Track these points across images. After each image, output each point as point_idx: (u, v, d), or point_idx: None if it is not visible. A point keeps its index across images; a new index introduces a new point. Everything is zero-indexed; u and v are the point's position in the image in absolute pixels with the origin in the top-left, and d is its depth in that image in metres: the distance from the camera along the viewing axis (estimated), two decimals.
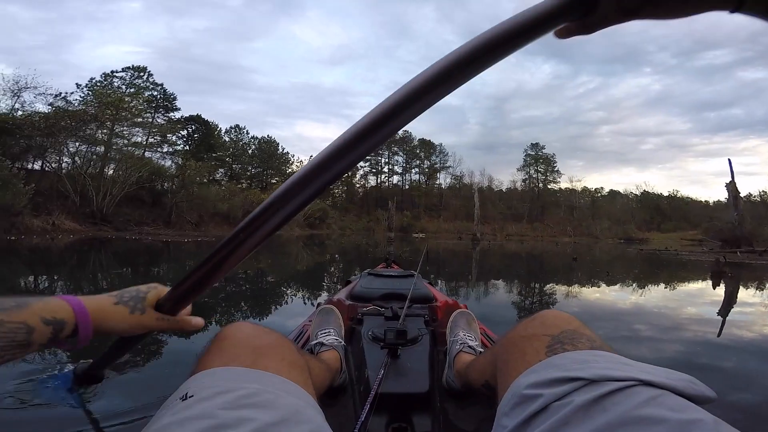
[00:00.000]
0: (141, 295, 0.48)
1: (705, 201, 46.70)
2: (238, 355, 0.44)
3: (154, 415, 0.38)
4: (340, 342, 0.94)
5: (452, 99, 74.12)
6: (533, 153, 46.80)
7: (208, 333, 0.66)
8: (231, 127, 40.70)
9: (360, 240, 20.36)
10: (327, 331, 0.95)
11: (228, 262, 0.40)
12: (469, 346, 0.88)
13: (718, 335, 2.80)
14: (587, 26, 0.30)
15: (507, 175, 60.13)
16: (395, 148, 47.79)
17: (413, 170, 48.40)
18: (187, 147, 33.73)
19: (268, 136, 43.60)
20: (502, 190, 46.99)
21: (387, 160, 48.18)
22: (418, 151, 48.09)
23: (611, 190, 48.66)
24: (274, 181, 40.60)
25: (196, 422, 0.34)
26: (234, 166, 40.28)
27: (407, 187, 47.78)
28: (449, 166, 48.20)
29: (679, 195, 47.07)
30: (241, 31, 73.37)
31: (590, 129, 64.97)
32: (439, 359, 0.99)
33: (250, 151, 41.94)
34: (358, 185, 47.63)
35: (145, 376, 1.55)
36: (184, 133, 34.27)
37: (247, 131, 41.53)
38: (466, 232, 31.33)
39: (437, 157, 48.35)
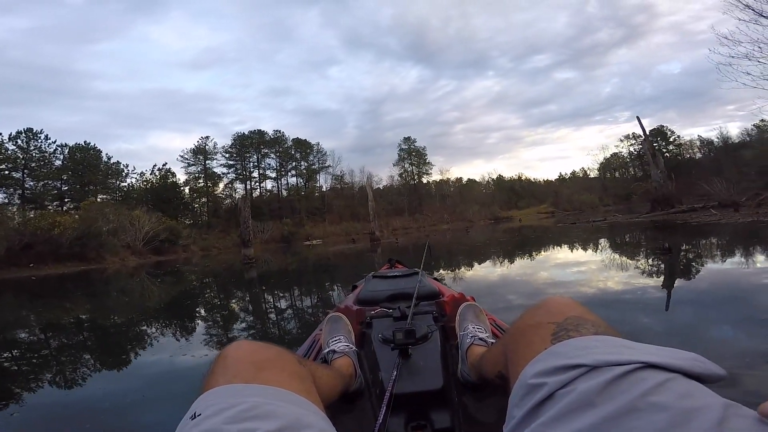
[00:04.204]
0: None
1: (543, 180, 55.66)
2: (239, 372, 0.47)
3: None
4: (352, 347, 0.93)
5: (331, 103, 72.17)
6: (406, 147, 47.66)
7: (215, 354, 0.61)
8: (18, 132, 29.07)
9: (232, 259, 15.92)
10: (337, 338, 0.95)
11: None
12: (480, 338, 0.87)
13: None
14: None
15: (384, 173, 60.93)
16: (265, 150, 42.37)
17: (289, 173, 43.77)
18: None
19: (85, 142, 33.07)
20: (380, 187, 46.58)
21: (257, 163, 42.34)
22: (293, 152, 43.65)
23: (469, 179, 53.53)
24: (100, 198, 30.77)
25: None
26: (29, 182, 29.04)
27: (284, 192, 42.91)
28: (329, 166, 45.24)
29: (524, 178, 54.93)
30: (81, 31, 58.54)
31: (448, 128, 70.47)
32: (451, 354, 0.98)
33: (59, 163, 30.98)
34: (223, 195, 40.56)
35: (164, 399, 1.89)
36: None
37: (46, 136, 30.40)
38: (356, 233, 29.02)
39: (315, 157, 44.80)
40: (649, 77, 68.48)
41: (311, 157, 44.44)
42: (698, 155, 36.08)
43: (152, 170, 37.35)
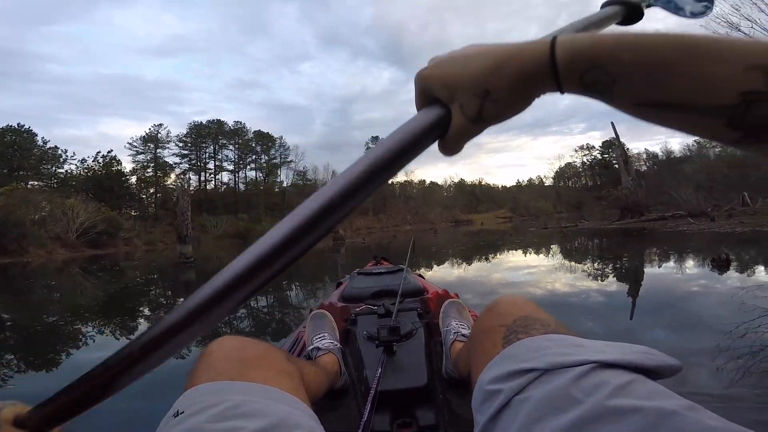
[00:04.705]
0: None
1: (501, 186, 57.64)
2: (224, 369, 0.45)
3: None
4: (336, 344, 0.92)
5: (300, 99, 70.60)
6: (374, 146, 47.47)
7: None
8: None
9: (175, 256, 14.62)
10: (321, 335, 0.94)
11: (131, 374, 0.27)
12: (463, 335, 0.87)
13: None
14: (447, 147, 0.29)
15: None
16: (223, 141, 40.25)
17: (248, 166, 41.87)
18: None
19: (18, 124, 29.78)
20: None
21: (213, 154, 40.09)
22: (253, 145, 41.81)
23: (431, 182, 54.22)
24: (31, 184, 27.68)
25: None
26: None
27: (242, 186, 40.98)
28: (291, 161, 43.82)
29: (484, 183, 56.58)
30: (39, 11, 55.76)
31: None
32: (436, 351, 0.98)
33: None
34: (173, 186, 37.93)
35: (146, 396, 1.53)
36: None
37: None
38: None
39: (277, 151, 43.21)
40: None
41: (273, 151, 42.86)
42: (644, 168, 38.84)
43: (95, 157, 34.31)
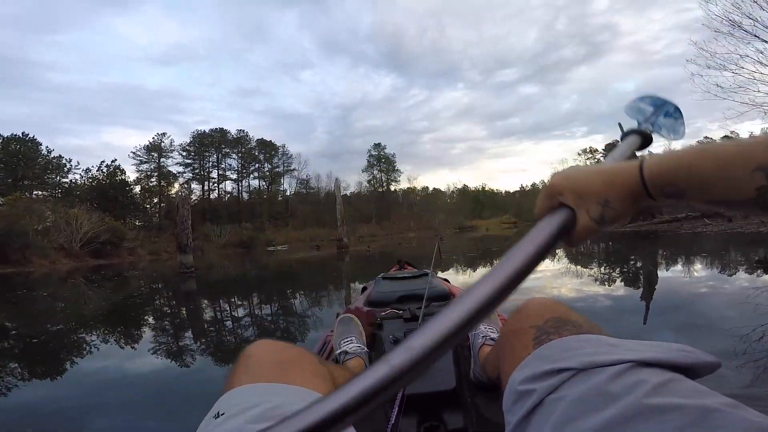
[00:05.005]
0: None
1: (504, 192, 57.40)
2: (262, 372, 0.47)
3: None
4: (363, 348, 0.94)
5: (302, 107, 71.05)
6: (376, 153, 47.42)
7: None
8: None
9: (177, 266, 14.48)
10: (349, 339, 0.95)
11: None
12: (491, 338, 0.87)
13: None
14: (573, 242, 0.33)
15: (352, 180, 59.97)
16: (227, 150, 40.42)
17: (252, 175, 41.94)
18: None
19: (22, 133, 30.02)
20: (347, 194, 45.89)
21: (216, 162, 40.23)
22: (256, 153, 41.94)
23: (434, 188, 54.09)
24: (36, 194, 27.81)
25: None
26: None
27: (245, 195, 41.01)
28: (294, 170, 43.88)
29: (487, 188, 56.32)
30: (42, 19, 55.31)
31: (416, 137, 71.38)
32: (464, 355, 0.99)
33: None
34: (173, 195, 38.10)
35: (185, 398, 1.78)
36: None
37: None
38: (320, 240, 28.13)
39: (279, 159, 43.31)
40: (606, 95, 72.76)
41: (276, 160, 42.96)
42: None
43: (99, 166, 34.50)
